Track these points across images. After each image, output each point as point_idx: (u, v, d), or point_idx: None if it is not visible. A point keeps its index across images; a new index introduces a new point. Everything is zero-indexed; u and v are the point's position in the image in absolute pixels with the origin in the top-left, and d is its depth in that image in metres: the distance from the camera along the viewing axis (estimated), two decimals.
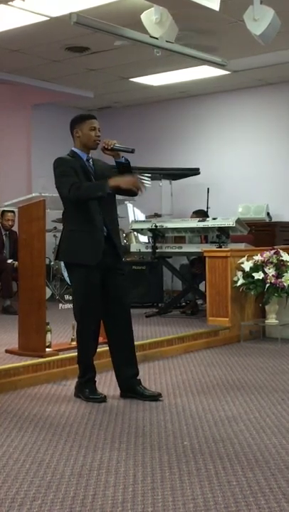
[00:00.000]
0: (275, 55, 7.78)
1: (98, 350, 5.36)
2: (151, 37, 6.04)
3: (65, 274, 5.44)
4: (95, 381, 4.42)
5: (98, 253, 4.24)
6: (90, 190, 4.22)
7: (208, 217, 8.02)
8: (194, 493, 2.78)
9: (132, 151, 4.32)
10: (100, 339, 5.58)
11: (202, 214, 8.39)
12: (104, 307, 4.35)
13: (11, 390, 4.60)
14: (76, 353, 4.49)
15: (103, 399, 4.31)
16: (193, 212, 8.51)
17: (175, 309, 7.99)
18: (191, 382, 4.93)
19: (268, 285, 6.53)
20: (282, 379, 4.99)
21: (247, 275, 6.66)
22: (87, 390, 4.36)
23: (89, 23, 5.71)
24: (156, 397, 4.35)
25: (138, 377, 4.46)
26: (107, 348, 4.52)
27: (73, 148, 4.41)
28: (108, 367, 4.58)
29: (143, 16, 5.96)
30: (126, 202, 9.30)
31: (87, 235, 4.25)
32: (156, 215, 9.30)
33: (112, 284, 4.34)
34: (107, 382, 4.77)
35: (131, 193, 4.36)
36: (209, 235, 7.74)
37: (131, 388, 4.39)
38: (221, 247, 7.15)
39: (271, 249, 6.75)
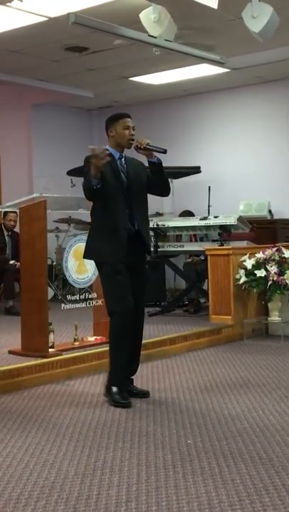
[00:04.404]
0: (274, 52, 7.77)
1: (100, 349, 5.37)
2: (149, 36, 6.03)
3: (67, 274, 5.46)
4: (125, 382, 4.33)
5: (120, 252, 4.22)
6: (86, 188, 4.21)
7: (193, 216, 8.29)
8: (198, 492, 2.79)
9: (165, 152, 4.30)
10: (103, 339, 5.61)
11: (188, 214, 8.74)
12: None
13: (14, 390, 4.61)
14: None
15: (128, 404, 4.18)
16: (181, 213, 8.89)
17: (178, 308, 7.99)
18: (194, 380, 4.93)
19: (270, 282, 6.52)
20: (286, 376, 4.99)
21: (249, 273, 6.65)
22: (115, 389, 4.24)
23: (87, 22, 5.71)
24: (145, 395, 4.39)
25: (132, 377, 4.49)
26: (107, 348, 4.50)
27: (107, 147, 4.36)
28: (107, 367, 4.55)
29: (141, 15, 5.96)
30: None
31: (110, 233, 4.24)
32: (158, 214, 9.30)
33: (130, 283, 4.30)
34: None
35: (158, 192, 4.45)
36: (211, 233, 7.74)
37: None
38: (222, 245, 7.15)
39: (273, 247, 6.75)
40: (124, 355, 4.30)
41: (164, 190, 4.47)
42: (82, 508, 2.66)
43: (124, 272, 4.25)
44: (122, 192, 4.30)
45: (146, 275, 4.51)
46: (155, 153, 4.33)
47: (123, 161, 4.39)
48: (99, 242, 4.31)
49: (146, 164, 4.43)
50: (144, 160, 4.43)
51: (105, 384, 4.38)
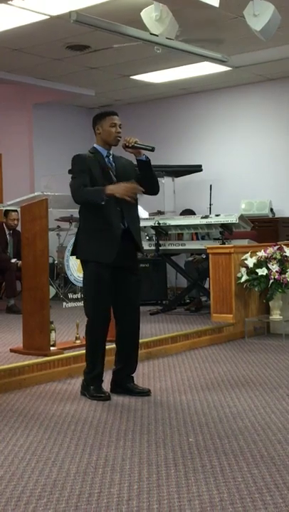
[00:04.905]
0: (275, 51, 7.76)
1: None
2: (151, 34, 6.03)
3: (68, 273, 5.46)
4: (102, 380, 4.41)
5: (113, 251, 4.22)
6: (89, 196, 4.23)
7: (194, 214, 8.34)
8: (200, 490, 2.79)
9: (152, 150, 4.31)
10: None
11: (189, 213, 8.73)
12: (113, 305, 4.39)
13: (16, 388, 4.61)
14: (84, 350, 4.47)
15: (107, 397, 4.32)
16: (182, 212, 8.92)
17: (179, 306, 7.99)
18: (195, 379, 4.93)
19: (271, 281, 6.52)
20: (287, 374, 4.99)
21: (251, 271, 6.65)
22: (92, 387, 4.36)
23: (89, 21, 5.71)
24: (146, 393, 4.41)
25: (132, 376, 4.52)
26: (111, 346, 4.52)
27: (94, 145, 4.43)
28: (110, 365, 4.56)
29: (143, 13, 5.95)
30: None
31: (102, 232, 4.24)
32: (159, 213, 9.30)
33: (124, 283, 4.35)
34: (109, 380, 4.77)
35: (148, 190, 4.41)
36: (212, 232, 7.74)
37: (123, 385, 4.46)
38: (224, 243, 7.15)
39: (274, 245, 6.75)
40: (100, 356, 4.36)
41: (153, 189, 4.44)
42: (83, 506, 2.66)
43: (108, 279, 4.26)
44: None
45: (140, 274, 4.49)
46: (143, 152, 4.33)
47: (111, 159, 4.40)
48: (90, 241, 4.28)
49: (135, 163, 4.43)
50: (132, 159, 4.42)
51: (82, 384, 4.46)
